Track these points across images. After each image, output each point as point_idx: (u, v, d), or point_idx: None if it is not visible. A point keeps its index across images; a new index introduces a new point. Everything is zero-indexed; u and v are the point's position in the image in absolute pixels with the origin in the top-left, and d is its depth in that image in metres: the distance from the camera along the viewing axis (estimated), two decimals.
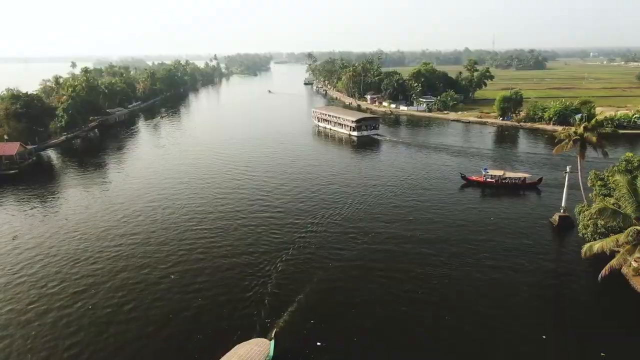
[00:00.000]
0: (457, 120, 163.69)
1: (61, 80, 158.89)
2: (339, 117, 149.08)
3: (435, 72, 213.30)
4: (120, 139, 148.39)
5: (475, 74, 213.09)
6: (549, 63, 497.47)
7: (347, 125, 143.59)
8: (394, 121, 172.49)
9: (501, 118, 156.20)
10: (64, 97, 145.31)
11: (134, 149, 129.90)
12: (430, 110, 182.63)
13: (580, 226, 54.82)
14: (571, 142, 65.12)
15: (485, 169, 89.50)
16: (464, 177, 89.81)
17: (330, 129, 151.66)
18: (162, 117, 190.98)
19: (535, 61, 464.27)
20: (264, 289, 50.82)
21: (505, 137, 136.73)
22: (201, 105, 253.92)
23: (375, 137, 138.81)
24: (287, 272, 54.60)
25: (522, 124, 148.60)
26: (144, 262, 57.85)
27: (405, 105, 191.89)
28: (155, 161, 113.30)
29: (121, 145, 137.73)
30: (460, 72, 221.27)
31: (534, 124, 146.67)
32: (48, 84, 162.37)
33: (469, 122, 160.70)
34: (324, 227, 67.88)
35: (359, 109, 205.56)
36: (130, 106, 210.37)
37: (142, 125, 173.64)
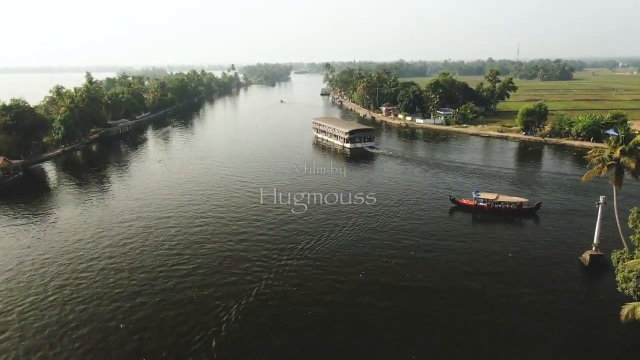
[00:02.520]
0: (477, 135, 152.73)
1: (63, 91, 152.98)
2: (334, 129, 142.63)
3: (455, 83, 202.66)
4: (119, 152, 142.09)
5: (497, 84, 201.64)
6: (576, 73, 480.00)
7: (341, 137, 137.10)
8: (408, 135, 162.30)
9: (524, 132, 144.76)
10: (62, 108, 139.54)
11: (130, 165, 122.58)
12: (448, 124, 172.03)
13: (619, 277, 44.29)
14: (605, 167, 54.57)
15: (477, 192, 79.62)
16: (453, 200, 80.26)
17: (327, 141, 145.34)
18: (168, 130, 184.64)
19: (562, 71, 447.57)
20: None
21: (528, 154, 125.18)
22: (212, 117, 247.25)
23: (370, 149, 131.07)
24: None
25: (546, 139, 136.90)
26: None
27: (422, 118, 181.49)
28: (146, 179, 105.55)
29: (118, 159, 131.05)
30: (481, 83, 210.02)
31: (560, 139, 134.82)
32: (49, 94, 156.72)
33: (489, 136, 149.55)
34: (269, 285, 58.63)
35: (373, 121, 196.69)
36: (138, 117, 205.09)
37: (145, 137, 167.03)
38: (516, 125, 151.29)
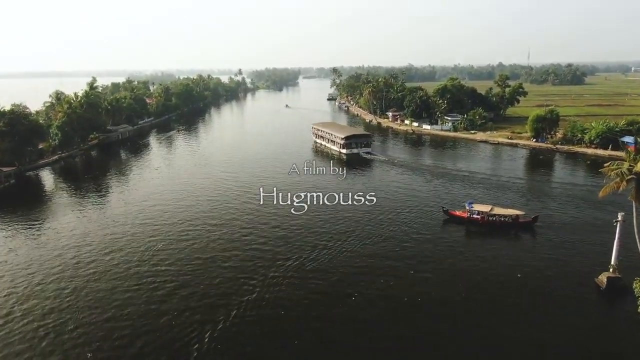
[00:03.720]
0: (485, 141, 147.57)
1: (62, 97, 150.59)
2: (331, 134, 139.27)
3: (463, 88, 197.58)
4: (116, 159, 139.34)
5: (507, 89, 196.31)
6: (587, 78, 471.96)
7: (338, 143, 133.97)
8: (414, 141, 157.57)
9: (534, 139, 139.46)
10: (59, 114, 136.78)
11: (125, 172, 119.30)
12: (455, 130, 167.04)
13: None
14: (624, 182, 49.77)
15: (470, 203, 74.53)
16: (446, 212, 75.61)
17: (325, 146, 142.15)
18: (170, 135, 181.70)
19: (573, 76, 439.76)
20: None
21: (538, 163, 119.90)
22: (216, 122, 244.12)
23: (366, 155, 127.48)
24: None
25: (558, 146, 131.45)
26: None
27: (429, 124, 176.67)
28: (141, 187, 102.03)
29: (114, 166, 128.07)
30: (491, 88, 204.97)
31: (573, 147, 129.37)
32: (49, 99, 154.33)
33: (498, 143, 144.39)
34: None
35: (378, 127, 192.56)
36: (141, 122, 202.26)
37: (146, 143, 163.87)
38: (526, 132, 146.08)
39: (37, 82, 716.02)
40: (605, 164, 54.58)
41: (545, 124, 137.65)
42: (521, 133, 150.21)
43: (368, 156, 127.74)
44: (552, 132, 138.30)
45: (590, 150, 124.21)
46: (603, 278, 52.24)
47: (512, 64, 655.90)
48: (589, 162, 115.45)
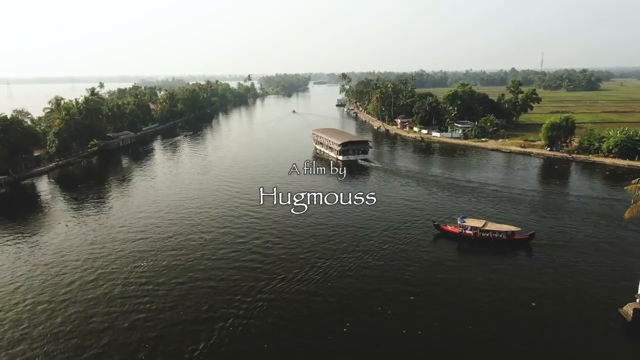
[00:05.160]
0: (497, 150, 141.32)
1: (62, 103, 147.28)
2: (329, 140, 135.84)
3: (474, 94, 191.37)
4: (115, 167, 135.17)
5: (520, 96, 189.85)
6: (602, 84, 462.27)
7: (335, 149, 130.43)
8: (422, 149, 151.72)
9: (549, 148, 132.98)
10: (57, 120, 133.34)
11: (122, 181, 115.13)
12: (466, 137, 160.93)
13: None
14: None
15: (462, 218, 69.20)
16: (437, 226, 70.54)
17: (324, 152, 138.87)
18: (174, 141, 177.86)
19: (588, 82, 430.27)
20: None
21: (553, 173, 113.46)
22: (221, 128, 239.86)
23: (364, 162, 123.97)
24: None
25: (574, 155, 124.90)
26: None
27: (439, 131, 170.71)
28: (136, 196, 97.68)
29: (112, 174, 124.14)
30: (503, 94, 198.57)
31: (590, 156, 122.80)
32: (48, 105, 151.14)
33: (510, 152, 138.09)
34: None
35: (386, 134, 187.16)
36: (145, 128, 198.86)
37: (147, 150, 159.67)
38: (540, 140, 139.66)
39: (50, 88, 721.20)
40: (633, 182, 48.75)
41: (560, 132, 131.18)
42: (535, 141, 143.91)
43: (365, 163, 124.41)
44: (567, 141, 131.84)
45: (608, 160, 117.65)
46: (629, 309, 46.35)
47: (525, 69, 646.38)
48: (607, 172, 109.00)
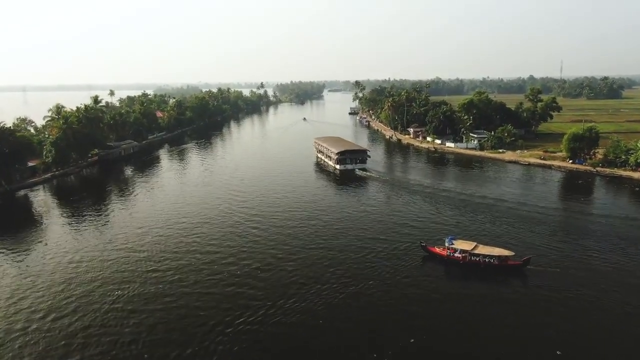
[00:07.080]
0: (515, 162, 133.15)
1: (63, 111, 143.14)
2: (328, 149, 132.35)
3: (491, 103, 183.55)
4: (114, 177, 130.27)
5: (539, 104, 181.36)
6: (625, 91, 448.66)
7: (333, 158, 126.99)
8: (435, 160, 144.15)
9: (571, 161, 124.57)
10: (54, 129, 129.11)
11: (119, 193, 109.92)
12: (482, 148, 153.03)
13: None
14: None
15: (451, 239, 62.83)
16: (424, 248, 64.39)
17: (324, 161, 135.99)
18: (180, 150, 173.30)
19: (609, 89, 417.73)
20: None
21: (576, 188, 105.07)
22: (231, 137, 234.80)
23: (361, 173, 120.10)
24: None
25: (599, 169, 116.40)
26: None
27: (453, 142, 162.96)
28: (130, 212, 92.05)
29: (110, 186, 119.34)
30: (521, 103, 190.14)
31: (615, 170, 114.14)
32: (49, 114, 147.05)
33: (529, 164, 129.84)
34: None
35: (398, 144, 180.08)
36: (151, 137, 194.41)
37: (150, 160, 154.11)
38: (561, 152, 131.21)
39: (66, 95, 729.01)
40: None
41: (583, 143, 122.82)
42: (555, 152, 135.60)
43: (362, 173, 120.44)
44: (591, 153, 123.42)
45: (636, 175, 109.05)
46: None
47: (543, 76, 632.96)
48: (637, 189, 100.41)
